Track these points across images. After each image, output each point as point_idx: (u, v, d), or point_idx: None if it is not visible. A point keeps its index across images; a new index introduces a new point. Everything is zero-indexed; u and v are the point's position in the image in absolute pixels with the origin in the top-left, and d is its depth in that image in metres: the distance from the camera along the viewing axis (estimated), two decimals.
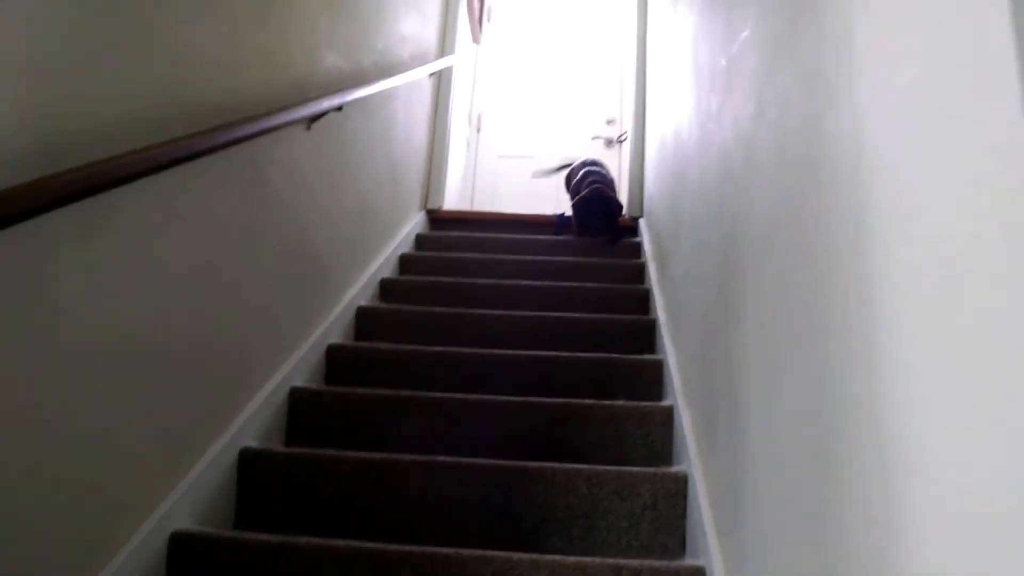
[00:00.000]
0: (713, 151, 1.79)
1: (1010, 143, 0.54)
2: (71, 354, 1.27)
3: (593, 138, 5.64)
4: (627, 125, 4.68)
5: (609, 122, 5.70)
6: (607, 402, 2.10)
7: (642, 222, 3.73)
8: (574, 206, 3.70)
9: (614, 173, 5.63)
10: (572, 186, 3.95)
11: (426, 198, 4.12)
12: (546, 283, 3.07)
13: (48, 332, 1.21)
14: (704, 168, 1.91)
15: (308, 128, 2.25)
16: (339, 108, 2.38)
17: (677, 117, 2.57)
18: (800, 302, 1.04)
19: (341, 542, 1.56)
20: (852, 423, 0.82)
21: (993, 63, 0.56)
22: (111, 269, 1.36)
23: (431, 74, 3.95)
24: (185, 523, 1.61)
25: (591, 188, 3.66)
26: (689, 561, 1.62)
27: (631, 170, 4.03)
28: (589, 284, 3.08)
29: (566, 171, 4.31)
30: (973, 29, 0.60)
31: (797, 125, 1.11)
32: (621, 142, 5.49)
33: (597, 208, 3.62)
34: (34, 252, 1.18)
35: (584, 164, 4.04)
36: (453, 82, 4.41)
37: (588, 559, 1.52)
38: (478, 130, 5.76)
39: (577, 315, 2.75)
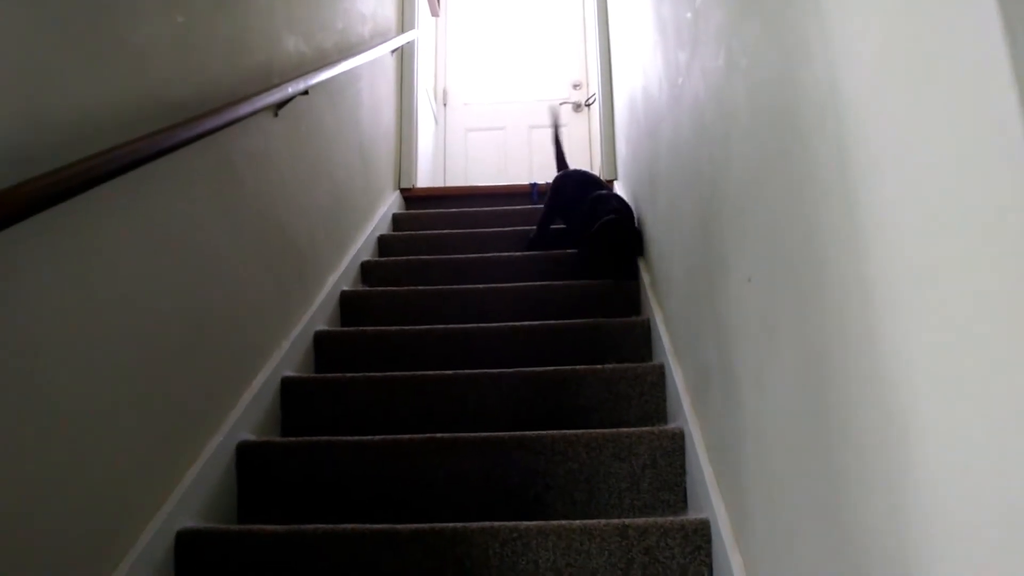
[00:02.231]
0: (685, 106, 1.78)
1: (989, 70, 0.54)
2: (58, 365, 1.25)
3: (561, 103, 5.61)
4: (594, 88, 4.65)
5: (576, 86, 5.67)
6: (599, 366, 2.11)
7: (616, 184, 3.72)
8: (593, 236, 2.73)
9: (583, 138, 5.57)
10: (583, 211, 2.87)
11: (399, 177, 4.09)
12: (526, 253, 3.07)
13: (31, 344, 1.19)
14: (677, 124, 1.91)
15: (276, 115, 2.22)
16: (305, 92, 2.35)
17: (645, 75, 2.56)
18: (788, 250, 1.04)
19: (348, 526, 1.57)
20: (850, 371, 0.83)
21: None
22: (91, 274, 1.34)
23: (393, 51, 3.90)
24: (190, 521, 1.60)
25: (605, 223, 2.71)
26: (692, 515, 1.64)
27: (602, 133, 4.01)
28: (570, 250, 3.08)
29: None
30: None
31: (771, 73, 1.11)
32: (589, 105, 5.46)
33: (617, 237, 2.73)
34: (9, 264, 1.15)
35: (590, 183, 3.11)
36: (416, 57, 4.36)
37: (593, 522, 1.54)
38: (445, 104, 5.70)
39: (561, 282, 2.76)
